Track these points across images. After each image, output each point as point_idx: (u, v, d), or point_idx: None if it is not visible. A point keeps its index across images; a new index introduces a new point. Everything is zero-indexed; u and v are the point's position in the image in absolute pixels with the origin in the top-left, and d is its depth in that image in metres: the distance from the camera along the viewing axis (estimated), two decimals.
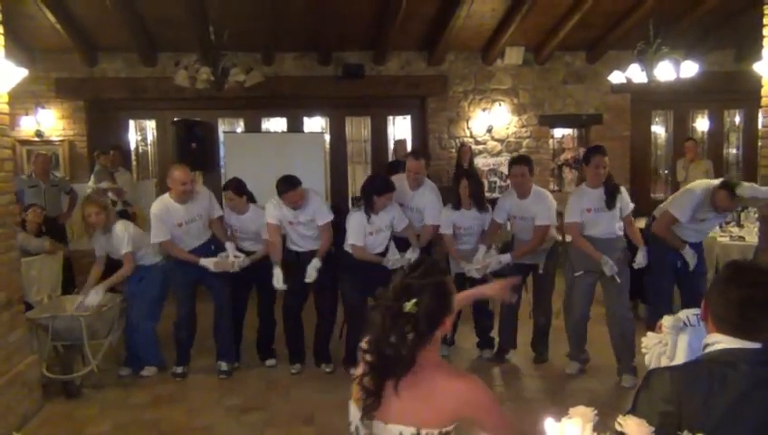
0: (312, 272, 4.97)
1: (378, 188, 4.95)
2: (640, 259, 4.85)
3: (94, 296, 4.93)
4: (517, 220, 5.17)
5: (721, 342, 1.75)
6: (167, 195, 5.10)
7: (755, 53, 5.37)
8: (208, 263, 5.02)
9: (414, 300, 1.78)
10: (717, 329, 1.77)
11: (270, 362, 5.34)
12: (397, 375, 1.78)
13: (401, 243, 5.19)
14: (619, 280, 4.75)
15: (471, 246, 5.27)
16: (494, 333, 5.52)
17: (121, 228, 5.07)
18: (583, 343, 5.07)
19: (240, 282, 5.26)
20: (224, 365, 5.19)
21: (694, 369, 1.75)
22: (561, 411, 1.59)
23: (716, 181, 4.85)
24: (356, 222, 5.00)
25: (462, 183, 5.20)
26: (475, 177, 5.54)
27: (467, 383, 1.82)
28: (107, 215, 5.06)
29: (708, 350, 1.77)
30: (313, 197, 5.12)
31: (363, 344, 1.87)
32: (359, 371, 1.88)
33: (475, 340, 5.57)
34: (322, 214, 5.07)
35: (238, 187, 5.18)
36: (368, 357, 1.84)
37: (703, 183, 4.98)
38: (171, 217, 4.99)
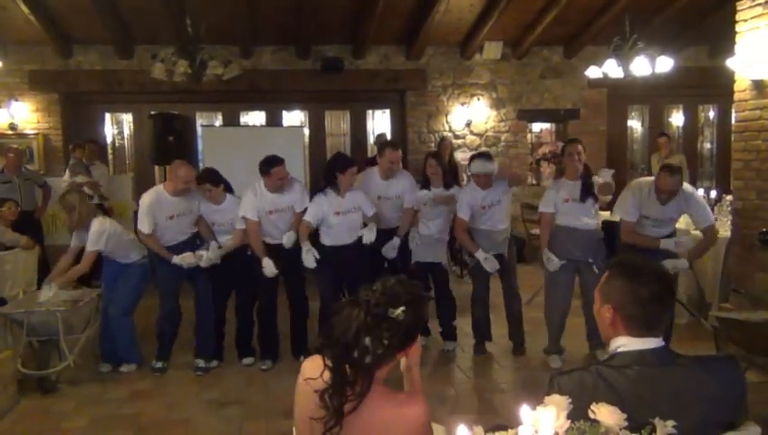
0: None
1: (340, 166, 4.99)
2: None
3: (46, 292, 4.81)
4: (484, 209, 5.23)
5: (625, 345, 1.82)
6: (161, 186, 5.10)
7: (728, 50, 5.45)
8: (179, 260, 4.97)
9: (402, 308, 1.74)
10: (626, 329, 1.82)
11: (247, 360, 5.27)
12: (356, 392, 1.70)
13: (387, 235, 5.31)
14: (597, 270, 4.80)
15: (435, 230, 5.37)
16: (455, 322, 5.52)
17: (98, 226, 4.94)
18: (560, 335, 5.13)
19: (220, 281, 5.23)
20: (201, 362, 5.16)
21: (583, 374, 1.80)
22: (538, 401, 1.61)
23: (651, 178, 4.92)
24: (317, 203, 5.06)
25: (428, 162, 5.39)
26: (441, 157, 5.79)
27: (415, 409, 1.74)
28: (79, 213, 4.97)
29: (611, 354, 1.84)
30: (296, 183, 5.23)
31: (323, 337, 1.80)
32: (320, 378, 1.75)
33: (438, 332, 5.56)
34: (303, 202, 5.12)
35: (214, 177, 5.13)
36: (328, 353, 1.75)
37: (638, 179, 5.08)
38: (163, 208, 4.97)
